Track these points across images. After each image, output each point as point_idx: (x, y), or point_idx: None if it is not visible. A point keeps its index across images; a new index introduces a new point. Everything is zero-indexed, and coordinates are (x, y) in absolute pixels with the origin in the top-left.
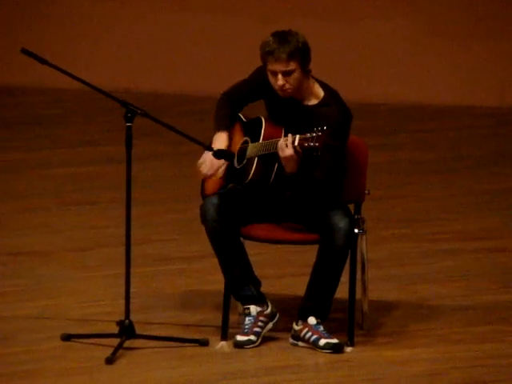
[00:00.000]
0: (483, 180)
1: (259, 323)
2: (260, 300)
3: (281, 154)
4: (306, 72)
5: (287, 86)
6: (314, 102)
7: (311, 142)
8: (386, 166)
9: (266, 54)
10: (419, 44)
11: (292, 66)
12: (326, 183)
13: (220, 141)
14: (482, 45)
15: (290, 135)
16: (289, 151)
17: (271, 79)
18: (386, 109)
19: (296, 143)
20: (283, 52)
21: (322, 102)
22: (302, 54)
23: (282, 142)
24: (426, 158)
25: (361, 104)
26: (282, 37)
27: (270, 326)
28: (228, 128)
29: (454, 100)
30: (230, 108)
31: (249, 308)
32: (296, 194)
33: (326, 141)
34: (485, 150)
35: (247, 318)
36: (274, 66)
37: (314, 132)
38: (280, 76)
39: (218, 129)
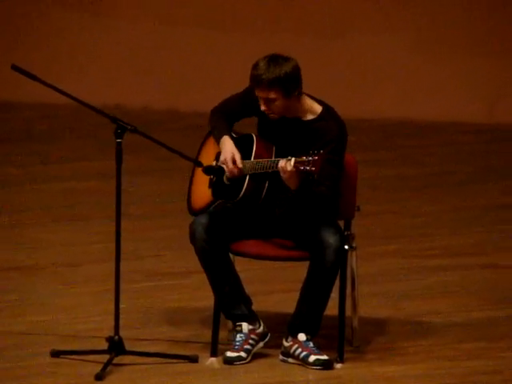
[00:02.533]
0: (471, 196)
1: (250, 341)
2: (252, 318)
3: (283, 175)
4: (291, 97)
5: (270, 111)
6: (310, 117)
7: (307, 165)
8: (373, 181)
9: (252, 78)
10: (407, 60)
11: (272, 95)
12: (329, 197)
13: (228, 145)
14: (470, 61)
15: (284, 159)
16: (290, 173)
17: (259, 101)
18: (373, 125)
19: (290, 167)
20: (264, 81)
21: (319, 117)
22: (283, 84)
23: (282, 164)
24: (415, 174)
25: (349, 120)
26: (269, 63)
27: (260, 345)
28: (230, 132)
29: (442, 116)
30: (225, 118)
31: (241, 325)
32: (290, 211)
33: (327, 156)
34: (473, 166)
35: (238, 335)
36: (256, 92)
37: (310, 156)
38: (262, 102)
39: (221, 135)
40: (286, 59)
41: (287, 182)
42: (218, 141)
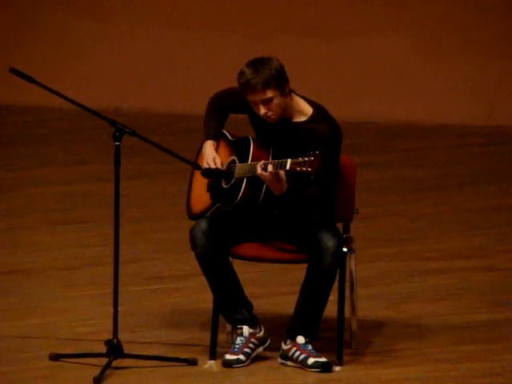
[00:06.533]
0: (471, 198)
1: (250, 344)
2: (253, 323)
3: (262, 178)
4: (286, 94)
5: (270, 113)
6: (302, 118)
7: (303, 166)
8: (373, 184)
9: (242, 86)
10: (406, 62)
11: (269, 93)
12: (322, 199)
13: (210, 150)
14: (469, 64)
15: (272, 163)
16: (266, 175)
17: (254, 108)
18: (374, 127)
19: (288, 167)
20: (258, 83)
21: (311, 119)
22: (276, 81)
23: (259, 170)
24: (414, 177)
25: (349, 122)
26: (255, 66)
27: (260, 350)
28: (217, 137)
29: (442, 118)
30: (220, 114)
31: (242, 328)
32: (287, 211)
33: (322, 157)
34: (473, 168)
35: (239, 338)
36: (252, 97)
37: (306, 156)
38: (261, 106)
39: (207, 137)
40: (268, 58)
41: (270, 188)
42: (204, 139)
